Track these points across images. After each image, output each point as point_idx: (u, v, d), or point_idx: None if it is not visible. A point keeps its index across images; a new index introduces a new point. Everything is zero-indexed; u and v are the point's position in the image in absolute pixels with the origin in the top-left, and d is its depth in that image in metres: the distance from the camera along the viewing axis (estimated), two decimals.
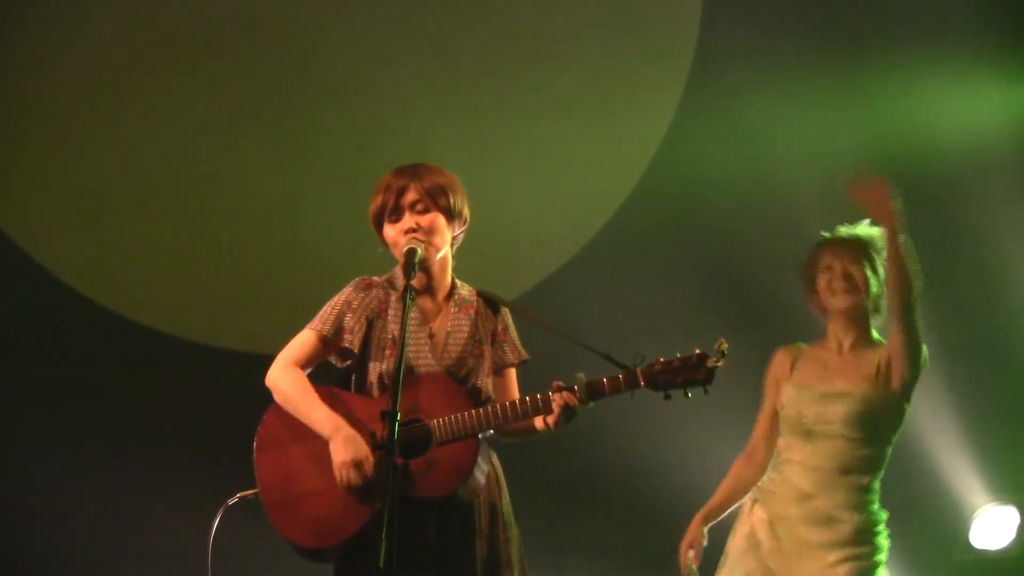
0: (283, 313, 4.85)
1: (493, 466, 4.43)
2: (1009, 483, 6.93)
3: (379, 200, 4.42)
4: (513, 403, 4.27)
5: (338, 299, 4.45)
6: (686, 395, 4.24)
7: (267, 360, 4.46)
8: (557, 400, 4.21)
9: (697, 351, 4.24)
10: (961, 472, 6.94)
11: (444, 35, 7.28)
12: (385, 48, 7.25)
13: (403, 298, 4.26)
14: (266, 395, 4.42)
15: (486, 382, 4.45)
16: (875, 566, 4.98)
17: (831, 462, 5.00)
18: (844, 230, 5.21)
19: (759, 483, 5.18)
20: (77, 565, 6.87)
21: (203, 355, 7.07)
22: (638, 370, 4.22)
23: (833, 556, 4.94)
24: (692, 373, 4.22)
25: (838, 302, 5.11)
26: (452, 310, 4.46)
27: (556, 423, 4.24)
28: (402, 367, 4.06)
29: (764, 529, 5.07)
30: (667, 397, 4.24)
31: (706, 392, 4.24)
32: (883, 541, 5.02)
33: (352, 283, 4.48)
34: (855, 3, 7.38)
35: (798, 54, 7.33)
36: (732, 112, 7.35)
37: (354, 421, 4.27)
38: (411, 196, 4.39)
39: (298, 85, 7.19)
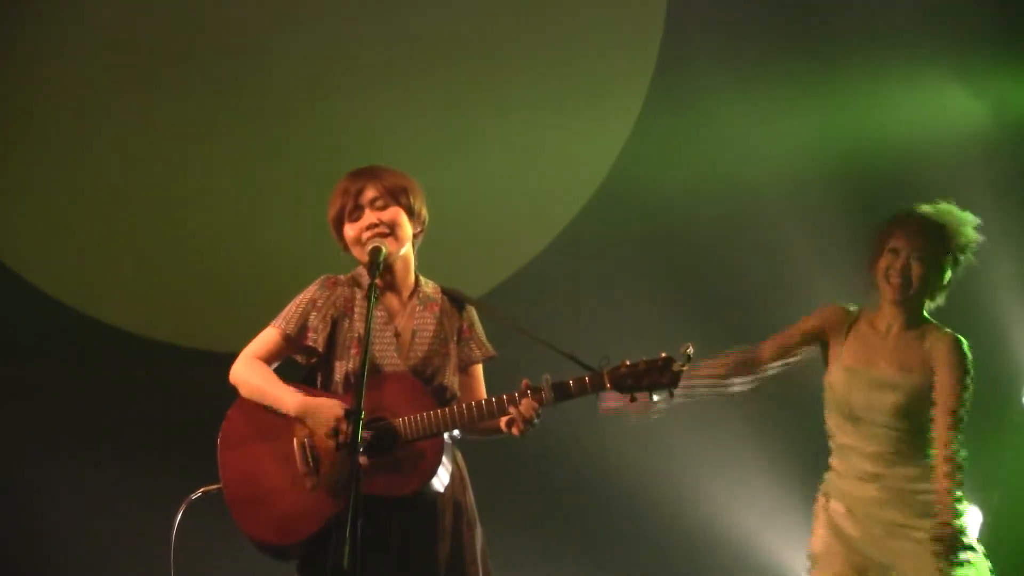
0: (246, 312, 4.84)
1: (458, 464, 4.43)
2: None
3: (338, 203, 4.42)
4: (479, 403, 4.28)
5: (303, 297, 4.44)
6: (650, 398, 4.24)
7: (230, 359, 4.45)
8: (524, 402, 4.22)
9: (663, 355, 4.25)
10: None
11: (407, 34, 7.26)
12: (348, 45, 7.24)
13: (367, 296, 4.25)
14: (229, 393, 4.41)
15: (452, 380, 4.45)
16: (961, 528, 4.90)
17: (884, 447, 4.99)
18: (937, 212, 5.08)
19: (826, 478, 5.13)
20: (37, 560, 6.84)
21: (166, 353, 7.04)
22: (604, 372, 4.23)
23: (920, 534, 4.91)
24: (657, 376, 4.22)
25: (890, 292, 5.04)
26: (417, 308, 4.46)
27: (523, 425, 4.24)
28: (366, 365, 4.04)
29: (845, 520, 5.03)
30: (632, 400, 4.25)
31: (671, 396, 4.24)
32: (960, 508, 4.91)
33: (317, 281, 4.47)
34: (818, 6, 7.41)
35: (761, 55, 7.36)
36: (695, 112, 7.37)
37: None
38: (371, 194, 4.39)
39: (260, 84, 7.16)
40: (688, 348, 4.20)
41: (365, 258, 4.37)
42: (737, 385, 5.25)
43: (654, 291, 7.28)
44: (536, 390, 4.23)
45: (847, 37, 7.36)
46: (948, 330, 5.07)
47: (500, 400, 4.25)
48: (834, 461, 5.13)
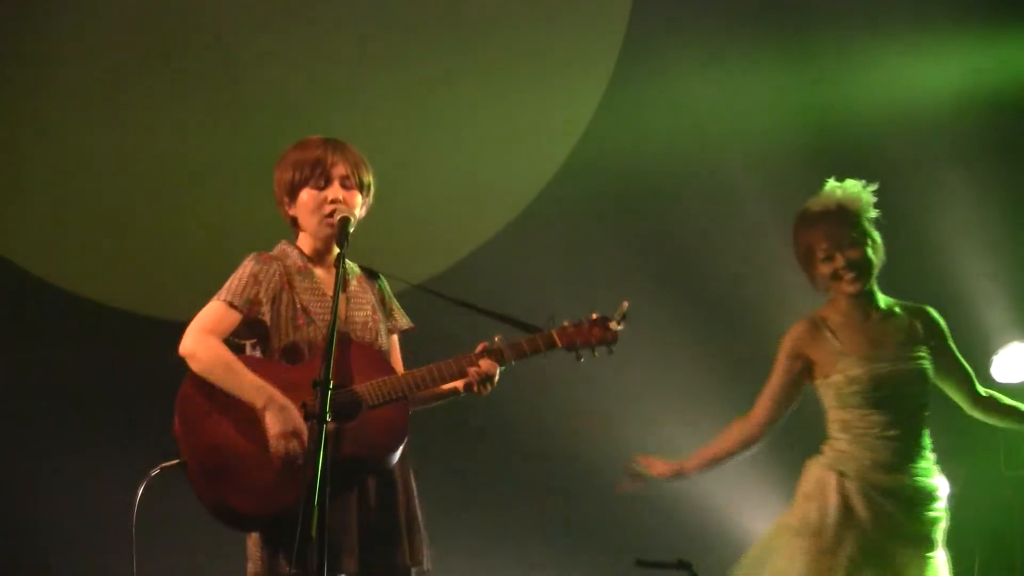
0: (203, 280, 4.78)
1: None
2: None
3: (305, 171, 4.44)
4: (440, 365, 4.36)
5: (243, 272, 4.43)
6: (593, 354, 4.49)
7: (185, 327, 4.39)
8: (483, 361, 4.36)
9: (595, 315, 4.52)
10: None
11: (369, 6, 7.23)
12: (306, 15, 7.21)
13: (336, 266, 4.24)
14: (184, 364, 4.34)
15: (387, 345, 4.53)
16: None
17: (904, 429, 5.06)
18: (826, 200, 5.18)
19: (837, 456, 5.15)
20: None
21: (127, 323, 7.00)
22: (552, 331, 4.45)
23: (931, 513, 5.05)
24: (600, 333, 4.50)
25: (849, 288, 5.13)
26: (349, 279, 4.51)
27: (486, 384, 4.39)
28: (334, 334, 4.02)
29: (859, 499, 5.06)
30: (579, 358, 4.49)
31: (610, 353, 4.51)
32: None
33: (252, 257, 4.47)
34: None
35: (732, 25, 7.37)
36: (665, 83, 7.37)
37: (284, 388, 4.23)
38: (341, 171, 4.45)
39: (217, 56, 7.12)
40: (624, 306, 4.51)
41: (311, 226, 4.43)
42: (755, 440, 5.35)
43: (621, 264, 7.28)
44: (493, 351, 4.38)
45: (816, 8, 7.36)
46: (910, 303, 5.23)
47: (459, 361, 4.38)
48: (851, 447, 5.14)
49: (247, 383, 4.24)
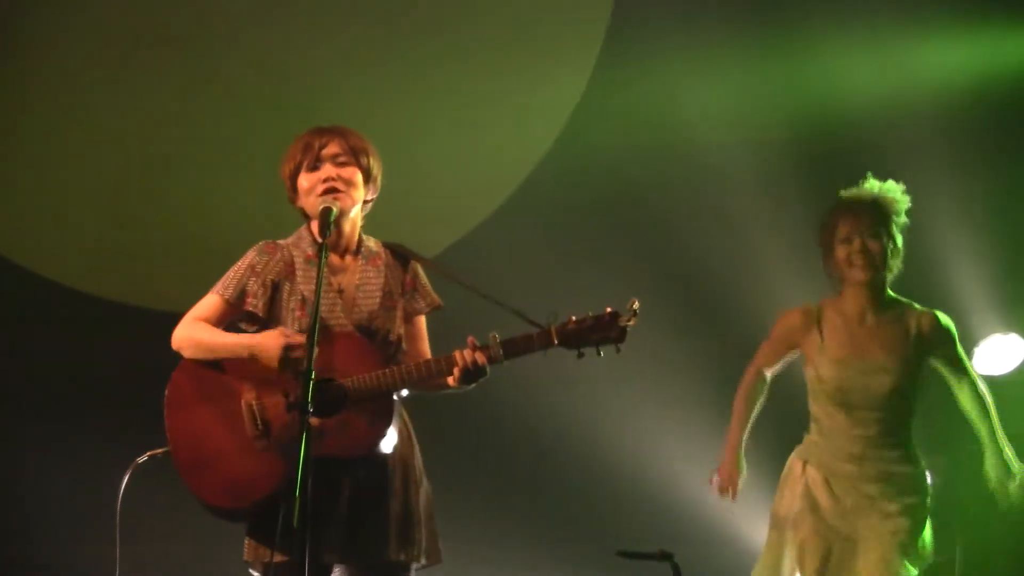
0: (194, 271, 4.79)
1: (405, 423, 4.43)
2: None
3: (298, 157, 4.42)
4: (427, 362, 4.30)
5: (241, 264, 4.43)
6: (598, 353, 4.26)
7: (178, 318, 4.42)
8: (471, 358, 4.23)
9: (609, 309, 4.25)
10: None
11: None
12: (298, 5, 7.20)
13: (318, 256, 4.24)
14: (176, 353, 4.37)
15: (399, 333, 4.46)
16: (927, 511, 5.13)
17: (875, 429, 5.10)
18: (863, 192, 5.22)
19: (808, 445, 5.22)
20: None
21: (113, 312, 6.99)
22: (552, 328, 4.24)
23: (892, 506, 5.05)
24: (605, 332, 4.24)
25: (858, 275, 5.14)
26: (360, 263, 4.46)
27: (461, 379, 4.27)
28: (316, 325, 4.03)
29: (820, 488, 5.12)
30: (580, 355, 4.26)
31: (618, 351, 4.25)
32: (928, 486, 5.16)
33: (255, 247, 4.47)
34: None
35: (715, 14, 7.37)
36: (648, 72, 7.37)
37: (265, 380, 4.24)
38: (334, 149, 4.41)
39: (208, 41, 7.11)
40: (634, 303, 4.23)
41: (314, 211, 4.37)
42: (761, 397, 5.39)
43: (606, 251, 7.31)
44: (484, 347, 4.24)
45: None
46: (921, 307, 5.24)
47: (448, 358, 4.26)
48: (816, 437, 5.21)
49: (229, 341, 4.31)
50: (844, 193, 5.26)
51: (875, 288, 5.17)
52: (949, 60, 7.44)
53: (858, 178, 5.29)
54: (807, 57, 7.41)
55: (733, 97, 7.41)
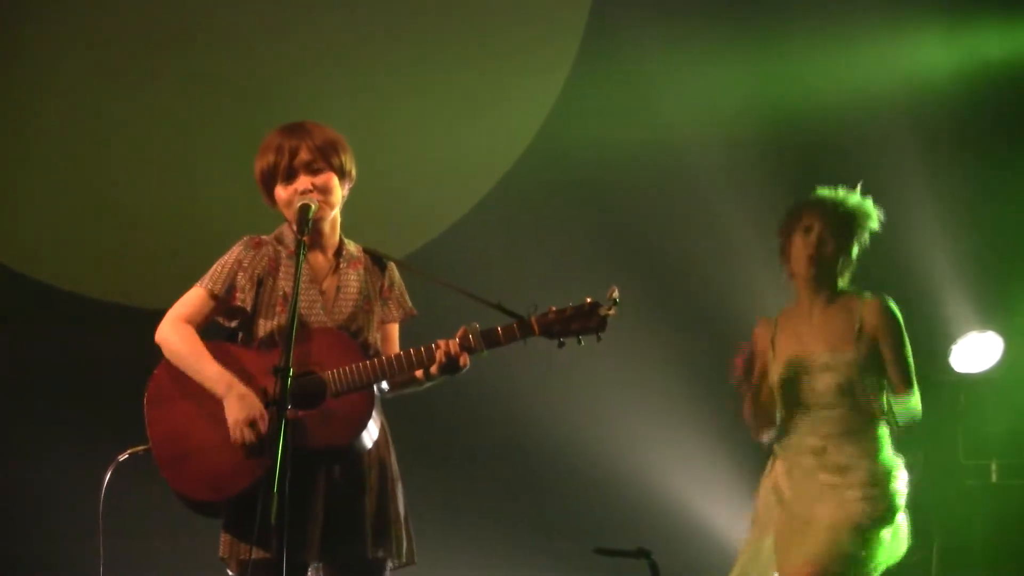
0: (174, 268, 4.80)
1: (383, 424, 4.43)
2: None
3: (270, 160, 4.38)
4: (408, 352, 4.30)
5: (228, 258, 4.42)
6: (579, 343, 4.29)
7: (159, 315, 4.41)
8: (455, 346, 4.25)
9: (589, 300, 4.29)
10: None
11: None
12: (278, 6, 7.21)
13: (296, 254, 4.23)
14: (157, 350, 4.37)
15: (375, 337, 4.46)
16: (892, 510, 5.05)
17: (835, 427, 5.08)
18: (839, 194, 5.20)
19: (779, 443, 5.23)
20: None
21: (93, 309, 6.99)
22: (532, 318, 4.27)
23: (851, 494, 5.01)
24: (585, 321, 4.26)
25: (805, 265, 5.14)
26: (341, 266, 4.46)
27: (443, 367, 4.27)
28: (295, 321, 4.04)
29: (784, 479, 5.14)
30: (560, 345, 4.29)
31: (599, 340, 4.29)
32: (899, 488, 5.08)
33: (241, 242, 4.46)
34: None
35: (696, 10, 7.39)
36: (627, 69, 7.40)
37: (246, 376, 4.25)
38: (304, 156, 4.36)
39: (188, 43, 7.12)
40: (613, 291, 4.26)
41: (291, 219, 4.36)
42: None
43: (586, 245, 7.32)
44: (464, 338, 4.25)
45: None
46: (869, 293, 5.18)
47: (428, 348, 4.27)
48: (783, 435, 5.23)
49: (210, 372, 4.26)
50: (821, 190, 5.25)
51: (823, 284, 5.15)
52: (927, 58, 7.47)
53: (836, 175, 5.29)
54: (785, 55, 7.43)
55: (711, 95, 7.43)
